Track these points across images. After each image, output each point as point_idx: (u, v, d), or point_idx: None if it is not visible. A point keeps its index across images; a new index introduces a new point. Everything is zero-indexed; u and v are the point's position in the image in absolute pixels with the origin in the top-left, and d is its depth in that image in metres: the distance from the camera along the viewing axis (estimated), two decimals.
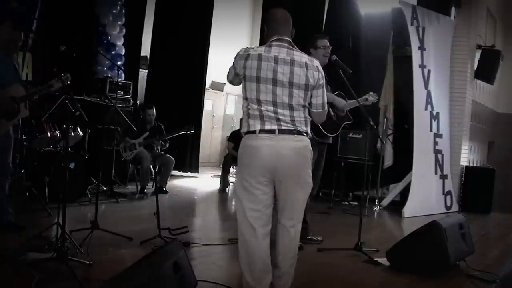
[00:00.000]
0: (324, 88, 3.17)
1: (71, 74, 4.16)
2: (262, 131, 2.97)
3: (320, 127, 4.61)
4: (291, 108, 3.00)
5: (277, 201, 3.10)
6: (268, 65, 2.98)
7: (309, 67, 3.05)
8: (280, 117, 2.98)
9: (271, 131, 2.96)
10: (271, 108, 2.98)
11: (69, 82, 4.25)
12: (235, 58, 3.11)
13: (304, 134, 3.05)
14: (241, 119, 3.19)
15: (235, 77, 3.15)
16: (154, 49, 9.43)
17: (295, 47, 3.12)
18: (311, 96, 3.09)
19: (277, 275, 3.11)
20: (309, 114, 3.14)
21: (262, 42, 3.21)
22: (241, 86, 3.11)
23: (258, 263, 3.01)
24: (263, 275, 3.03)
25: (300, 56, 3.06)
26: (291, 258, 3.14)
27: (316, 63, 3.14)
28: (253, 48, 3.07)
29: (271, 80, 2.97)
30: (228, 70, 3.20)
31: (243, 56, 3.04)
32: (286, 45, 3.08)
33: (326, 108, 3.24)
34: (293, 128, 3.00)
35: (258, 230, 3.01)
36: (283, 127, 2.97)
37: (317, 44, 4.79)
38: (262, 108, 2.98)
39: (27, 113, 4.62)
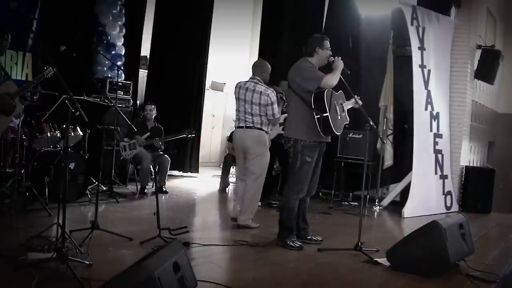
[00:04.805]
0: (273, 105, 5.40)
1: (71, 74, 4.19)
2: (238, 127, 5.53)
3: (332, 125, 4.64)
4: (252, 115, 5.41)
5: (246, 166, 5.53)
6: (242, 91, 5.48)
7: (262, 94, 5.40)
8: (246, 119, 5.44)
9: (241, 127, 5.48)
10: (243, 114, 5.45)
11: (51, 75, 4.40)
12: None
13: (257, 129, 5.41)
14: None
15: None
16: (154, 49, 9.42)
17: (261, 82, 5.51)
18: (266, 110, 5.38)
19: (240, 213, 5.56)
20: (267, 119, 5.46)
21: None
22: None
23: (238, 193, 5.69)
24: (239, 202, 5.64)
25: (259, 88, 5.44)
26: (246, 201, 5.53)
27: (267, 91, 5.41)
28: (241, 82, 5.59)
29: (243, 100, 5.44)
30: None
31: (235, 87, 5.59)
32: (255, 81, 5.51)
33: (276, 117, 5.48)
34: (252, 125, 5.41)
35: (240, 178, 5.73)
36: (247, 125, 5.43)
37: (324, 44, 4.88)
38: (239, 115, 5.49)
39: (22, 107, 4.87)
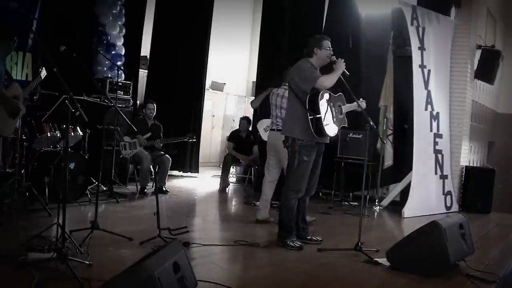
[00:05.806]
0: None
1: (71, 74, 4.20)
2: (271, 129, 5.97)
3: (323, 126, 4.66)
4: (281, 118, 5.68)
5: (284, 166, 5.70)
6: (274, 97, 5.93)
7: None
8: (277, 123, 5.79)
9: (273, 129, 5.86)
10: (274, 118, 5.88)
11: (45, 75, 4.49)
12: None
13: None
14: None
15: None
16: (154, 49, 9.43)
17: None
18: None
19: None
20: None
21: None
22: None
23: (266, 192, 5.97)
24: (268, 199, 6.00)
25: (287, 93, 5.41)
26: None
27: None
28: (275, 89, 6.02)
29: (274, 105, 5.88)
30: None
31: (270, 94, 6.07)
32: (285, 87, 5.67)
33: None
34: (280, 128, 5.44)
35: (270, 179, 5.97)
36: (278, 128, 5.70)
37: (322, 45, 4.85)
38: (272, 119, 5.95)
39: (25, 109, 4.88)
